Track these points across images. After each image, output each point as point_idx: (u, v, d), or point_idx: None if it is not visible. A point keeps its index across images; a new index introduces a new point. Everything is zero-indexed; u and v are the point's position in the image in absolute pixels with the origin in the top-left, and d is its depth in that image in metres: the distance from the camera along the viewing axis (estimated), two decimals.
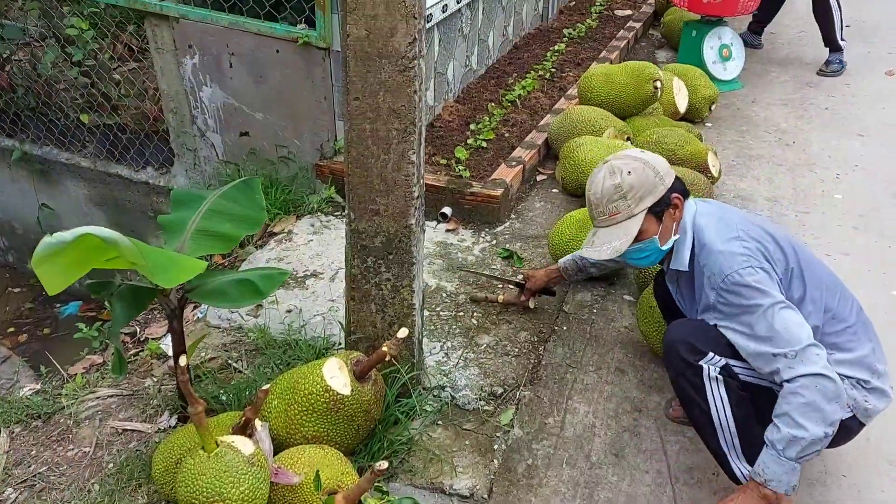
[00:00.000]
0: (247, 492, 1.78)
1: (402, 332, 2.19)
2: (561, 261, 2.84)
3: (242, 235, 2.39)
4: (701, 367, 1.99)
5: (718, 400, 2.00)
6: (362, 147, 2.21)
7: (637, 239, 2.07)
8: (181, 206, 2.46)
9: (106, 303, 2.27)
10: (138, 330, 3.31)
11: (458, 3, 4.16)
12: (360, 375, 2.20)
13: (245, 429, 2.04)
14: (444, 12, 4.01)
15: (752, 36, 5.77)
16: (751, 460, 1.97)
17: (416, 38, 2.08)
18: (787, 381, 1.83)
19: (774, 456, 1.83)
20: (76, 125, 4.39)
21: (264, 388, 1.98)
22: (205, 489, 1.76)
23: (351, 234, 2.35)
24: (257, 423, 2.09)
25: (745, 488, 1.92)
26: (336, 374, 2.19)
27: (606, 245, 2.07)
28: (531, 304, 2.93)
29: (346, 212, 2.33)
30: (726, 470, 2.05)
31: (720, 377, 1.99)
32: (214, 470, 1.77)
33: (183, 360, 1.80)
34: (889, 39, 5.88)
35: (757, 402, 2.02)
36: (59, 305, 4.80)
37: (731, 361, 2.00)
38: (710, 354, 2.00)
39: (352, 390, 2.16)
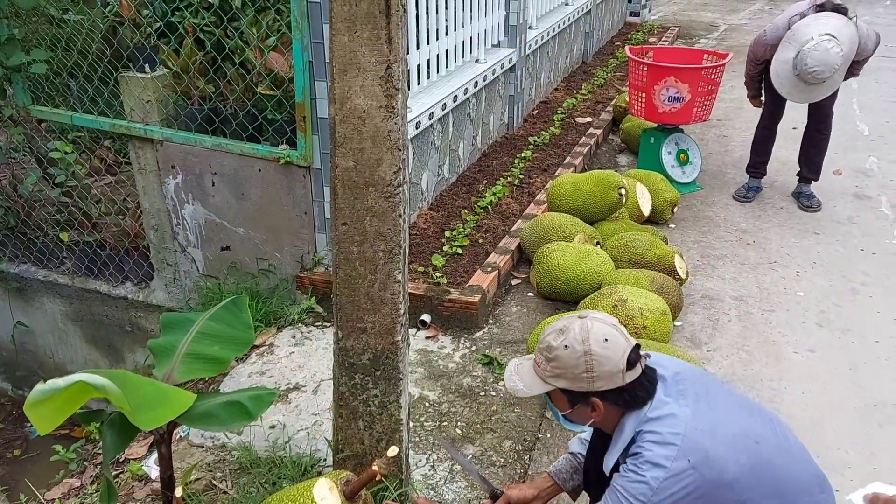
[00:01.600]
0: None
1: (392, 451, 2.22)
2: (552, 467, 2.30)
3: (232, 358, 2.44)
4: None
5: None
6: (350, 268, 2.30)
7: (553, 402, 1.95)
8: (170, 329, 2.51)
9: (97, 431, 2.27)
10: None
11: (429, 119, 4.39)
12: (350, 496, 2.20)
13: None
14: (417, 129, 4.23)
15: (753, 180, 5.33)
16: None
17: (401, 167, 2.22)
18: None
19: None
20: (55, 243, 4.43)
21: None
22: None
23: (338, 352, 2.41)
24: None
25: None
26: (326, 496, 2.19)
27: (515, 379, 1.95)
28: None
29: (334, 330, 2.40)
30: None
31: None
32: None
33: (179, 492, 1.81)
34: (834, 141, 6.27)
35: None
36: (29, 425, 4.69)
37: None
38: None
39: None
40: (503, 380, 3.26)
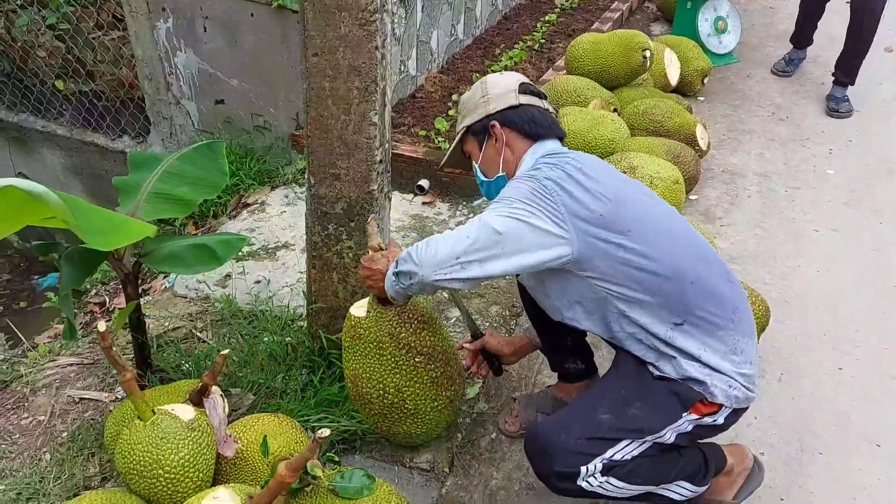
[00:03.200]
0: (187, 457, 1.70)
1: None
2: (525, 324, 2.32)
3: (200, 199, 2.30)
4: (579, 484, 1.68)
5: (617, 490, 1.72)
6: (321, 107, 2.10)
7: (472, 160, 1.99)
8: (138, 168, 2.37)
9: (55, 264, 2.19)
10: (108, 300, 3.24)
11: None
12: None
13: (202, 395, 1.96)
14: None
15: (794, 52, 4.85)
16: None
17: None
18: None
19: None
20: (52, 92, 4.29)
21: (223, 353, 1.89)
22: (141, 458, 1.69)
23: (311, 200, 2.25)
24: (214, 389, 2.01)
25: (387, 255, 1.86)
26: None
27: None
28: (474, 368, 2.23)
29: (307, 176, 2.23)
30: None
31: (604, 476, 1.68)
32: (151, 438, 1.69)
33: (102, 326, 1.70)
34: (888, 14, 5.72)
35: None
36: (36, 277, 4.72)
37: (609, 456, 1.68)
38: (583, 468, 1.65)
39: None
40: None
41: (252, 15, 3.43)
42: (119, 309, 3.16)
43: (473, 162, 2.00)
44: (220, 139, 2.56)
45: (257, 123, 3.74)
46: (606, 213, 1.65)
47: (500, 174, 1.91)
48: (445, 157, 2.09)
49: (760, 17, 5.71)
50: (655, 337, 1.71)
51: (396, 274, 1.78)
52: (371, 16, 1.99)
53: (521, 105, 1.88)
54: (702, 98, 4.46)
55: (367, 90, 2.07)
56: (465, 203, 3.43)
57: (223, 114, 3.79)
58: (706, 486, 1.83)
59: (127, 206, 2.23)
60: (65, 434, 2.32)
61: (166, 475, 1.72)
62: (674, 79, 4.25)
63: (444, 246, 1.69)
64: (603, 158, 3.33)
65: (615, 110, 3.74)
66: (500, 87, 1.90)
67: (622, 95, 3.91)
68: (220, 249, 2.22)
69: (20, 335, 2.91)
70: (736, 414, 1.76)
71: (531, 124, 1.86)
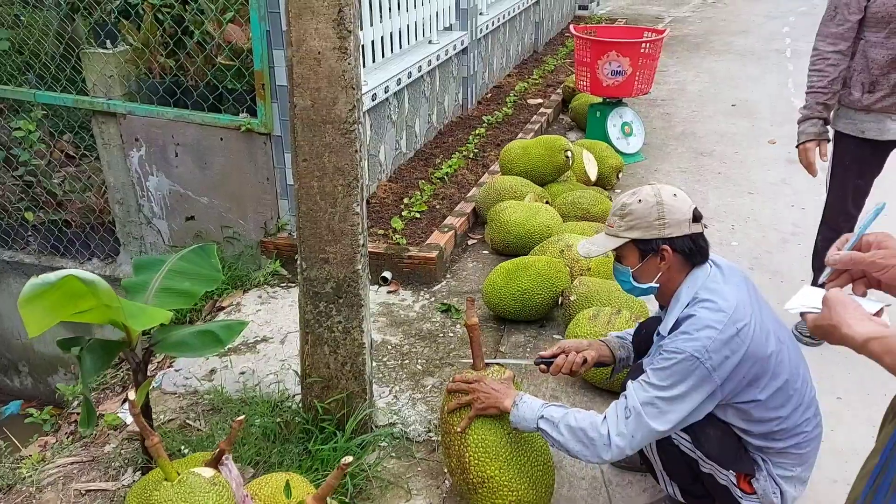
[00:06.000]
0: None
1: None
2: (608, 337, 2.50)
3: (202, 292, 2.60)
4: None
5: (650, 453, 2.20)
6: (311, 202, 2.49)
7: (623, 261, 2.11)
8: (142, 270, 2.66)
9: (76, 358, 2.41)
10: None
11: (385, 92, 4.59)
12: None
13: (219, 461, 2.18)
14: (373, 100, 4.42)
15: None
16: (681, 485, 2.19)
17: (355, 105, 2.42)
18: (604, 419, 2.02)
19: (534, 411, 2.10)
20: (20, 223, 4.51)
21: (239, 418, 2.13)
22: None
23: (303, 283, 2.59)
24: (227, 456, 2.24)
25: (505, 393, 2.22)
26: None
27: (587, 245, 2.18)
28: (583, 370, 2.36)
29: (298, 262, 2.58)
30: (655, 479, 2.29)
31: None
32: (180, 493, 1.91)
33: (132, 395, 1.96)
34: (769, 114, 6.65)
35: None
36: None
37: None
38: None
39: None
40: (461, 322, 3.47)
41: (221, 139, 3.84)
42: (108, 413, 3.32)
43: (624, 264, 2.10)
44: (210, 243, 2.88)
45: (227, 235, 4.07)
46: (761, 354, 1.93)
47: (654, 284, 2.08)
48: (592, 248, 2.17)
49: (660, 122, 6.52)
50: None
51: (541, 427, 2.09)
52: (351, 126, 2.42)
53: (692, 234, 2.01)
54: (618, 190, 5.07)
55: (350, 186, 2.47)
56: (426, 289, 3.81)
57: (193, 229, 4.12)
58: None
59: (139, 301, 2.51)
60: None
61: None
62: (593, 175, 4.85)
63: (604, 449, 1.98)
64: (542, 241, 3.82)
65: (547, 202, 4.26)
66: (677, 214, 1.98)
67: (551, 190, 4.46)
68: (223, 334, 2.51)
69: (17, 443, 3.03)
70: None
71: (697, 255, 2.02)
